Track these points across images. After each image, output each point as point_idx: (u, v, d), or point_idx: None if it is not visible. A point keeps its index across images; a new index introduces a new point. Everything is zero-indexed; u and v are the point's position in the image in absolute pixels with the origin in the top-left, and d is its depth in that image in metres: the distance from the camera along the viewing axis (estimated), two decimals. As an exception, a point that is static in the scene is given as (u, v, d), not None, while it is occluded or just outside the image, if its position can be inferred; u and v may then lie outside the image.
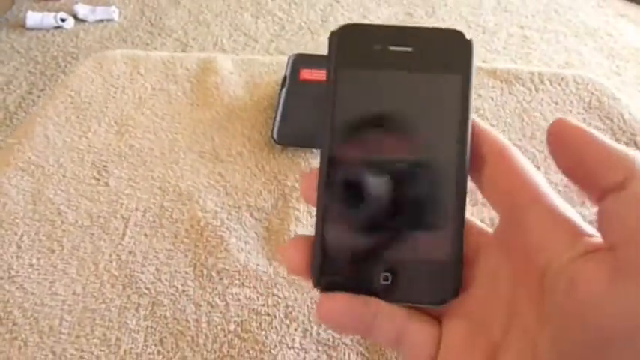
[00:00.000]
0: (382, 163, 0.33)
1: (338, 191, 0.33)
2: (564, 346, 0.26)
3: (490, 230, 0.33)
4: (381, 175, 0.33)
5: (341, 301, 0.32)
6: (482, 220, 0.41)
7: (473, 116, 0.32)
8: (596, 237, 0.28)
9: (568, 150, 0.29)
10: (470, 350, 0.31)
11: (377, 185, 0.33)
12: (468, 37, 0.32)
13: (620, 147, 0.28)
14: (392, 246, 0.33)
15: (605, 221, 0.27)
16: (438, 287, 0.32)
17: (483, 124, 0.32)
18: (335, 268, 0.33)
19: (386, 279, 0.32)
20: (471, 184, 0.32)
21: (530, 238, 0.29)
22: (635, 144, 0.76)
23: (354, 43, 0.33)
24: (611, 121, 0.79)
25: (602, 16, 2.31)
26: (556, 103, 0.82)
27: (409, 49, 0.32)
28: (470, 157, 0.32)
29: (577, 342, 0.25)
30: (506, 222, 0.31)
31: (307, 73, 0.83)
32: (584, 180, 0.29)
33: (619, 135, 0.77)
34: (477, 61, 0.33)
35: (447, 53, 0.32)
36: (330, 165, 0.33)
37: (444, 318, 0.33)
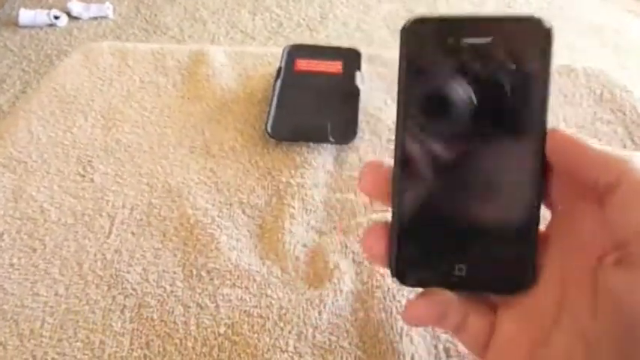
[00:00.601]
0: (456, 152, 0.32)
1: (413, 186, 0.33)
2: (617, 335, 0.28)
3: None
4: (456, 165, 0.32)
5: (423, 307, 0.34)
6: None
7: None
8: None
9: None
10: (520, 340, 0.33)
11: (452, 177, 0.33)
12: (547, 23, 0.31)
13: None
14: (468, 237, 0.33)
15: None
16: (513, 276, 0.33)
17: None
18: (412, 261, 0.35)
19: (461, 270, 0.33)
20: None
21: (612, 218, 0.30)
22: (648, 138, 0.73)
23: (426, 37, 0.32)
24: (624, 114, 0.76)
25: (607, 12, 2.28)
26: (565, 96, 0.79)
27: (484, 41, 0.31)
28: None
29: (629, 333, 0.28)
30: (559, 218, 0.33)
31: (303, 64, 0.80)
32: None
33: (632, 128, 0.74)
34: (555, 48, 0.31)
35: (524, 44, 0.31)
36: (404, 160, 0.33)
37: (499, 308, 0.34)
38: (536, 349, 0.32)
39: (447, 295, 0.34)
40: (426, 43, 0.31)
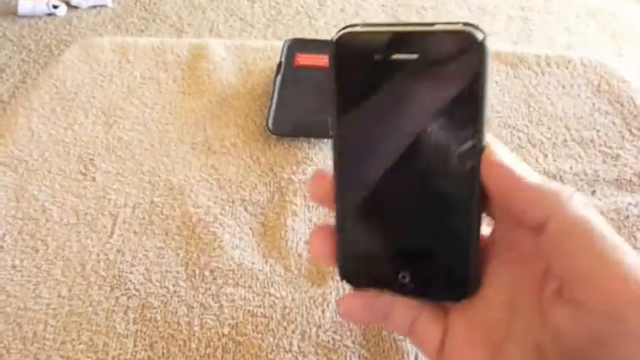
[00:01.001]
0: (395, 169, 0.32)
1: (349, 193, 0.33)
2: (568, 343, 0.28)
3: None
4: (389, 179, 0.32)
5: (359, 304, 0.35)
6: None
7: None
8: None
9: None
10: (474, 345, 0.33)
11: (392, 188, 0.32)
12: (479, 36, 0.29)
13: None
14: (408, 247, 0.33)
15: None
16: (456, 285, 0.33)
17: None
18: (357, 266, 0.35)
19: (404, 277, 0.33)
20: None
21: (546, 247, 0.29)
22: (646, 129, 0.72)
23: (354, 52, 0.31)
24: (622, 105, 0.76)
25: (604, -5, 2.27)
26: (563, 87, 0.79)
27: (414, 57, 0.29)
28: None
29: (580, 340, 0.27)
30: (504, 226, 0.33)
31: (304, 59, 0.79)
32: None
33: (630, 119, 0.74)
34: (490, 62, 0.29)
35: (455, 59, 0.29)
36: (343, 172, 0.33)
37: (451, 312, 0.34)
38: (490, 357, 0.32)
39: (387, 296, 0.34)
40: (354, 57, 0.30)
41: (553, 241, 0.28)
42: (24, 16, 2.19)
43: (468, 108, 0.29)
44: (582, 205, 0.28)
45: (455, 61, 0.29)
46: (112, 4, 2.23)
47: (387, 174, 0.32)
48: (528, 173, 0.30)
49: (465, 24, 0.29)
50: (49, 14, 2.18)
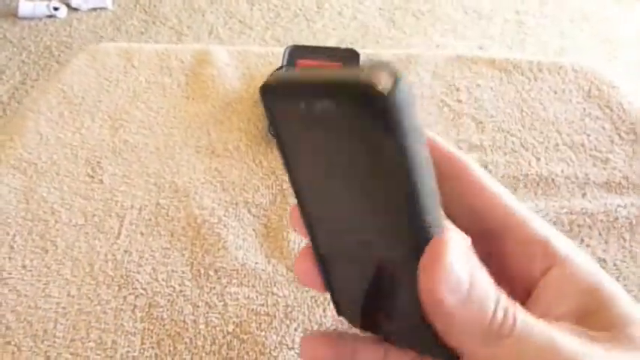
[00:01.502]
0: (342, 232, 0.28)
1: (313, 234, 0.30)
2: None
3: None
4: (341, 233, 0.29)
5: (320, 346, 0.31)
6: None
7: (430, 136, 0.28)
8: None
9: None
10: None
11: (340, 240, 0.29)
12: (384, 86, 0.21)
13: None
14: (387, 306, 0.29)
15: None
16: (436, 349, 0.28)
17: (442, 141, 0.30)
18: (343, 308, 0.32)
19: (388, 327, 0.30)
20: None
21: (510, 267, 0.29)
22: (636, 133, 0.75)
23: (281, 101, 0.26)
24: (611, 110, 0.78)
25: (597, 0, 2.29)
26: (555, 93, 0.81)
27: (325, 106, 0.24)
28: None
29: None
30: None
31: (305, 65, 0.82)
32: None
33: (619, 124, 0.76)
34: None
35: (356, 117, 0.23)
36: (304, 210, 0.29)
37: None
38: None
39: (350, 340, 0.31)
40: (279, 105, 0.26)
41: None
42: (24, 18, 2.20)
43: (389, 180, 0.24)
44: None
45: (356, 120, 0.23)
46: (112, 7, 2.25)
47: (334, 223, 0.29)
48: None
49: (377, 65, 0.22)
50: (50, 16, 2.20)
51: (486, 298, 0.24)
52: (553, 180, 0.69)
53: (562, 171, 0.70)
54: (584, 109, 0.78)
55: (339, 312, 0.32)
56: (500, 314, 0.24)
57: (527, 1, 2.26)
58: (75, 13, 2.24)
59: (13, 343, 0.55)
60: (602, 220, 0.64)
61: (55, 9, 2.19)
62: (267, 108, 0.26)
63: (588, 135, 0.75)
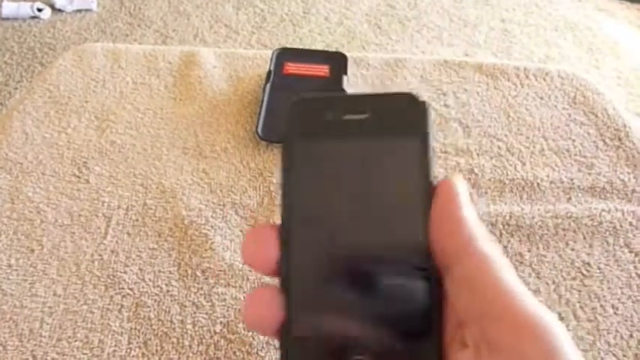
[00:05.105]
0: (343, 245, 0.29)
1: (301, 275, 0.29)
2: None
3: None
4: (344, 258, 0.29)
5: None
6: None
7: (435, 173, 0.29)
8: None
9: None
10: None
11: (341, 269, 0.29)
12: (421, 98, 0.30)
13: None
14: (363, 333, 0.28)
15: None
16: None
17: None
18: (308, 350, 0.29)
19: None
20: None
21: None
22: (620, 139, 0.76)
23: (307, 114, 0.31)
24: (596, 116, 0.79)
25: (581, 10, 2.32)
26: (541, 98, 0.82)
27: (363, 117, 0.30)
28: None
29: None
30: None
31: (292, 67, 0.82)
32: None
33: (603, 130, 0.77)
34: (433, 121, 0.30)
35: (401, 117, 0.30)
36: (290, 244, 0.29)
37: None
38: None
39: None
40: (308, 118, 0.31)
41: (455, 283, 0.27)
42: (8, 19, 2.19)
43: (414, 168, 0.29)
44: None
45: (402, 119, 0.30)
46: (97, 9, 2.24)
47: (334, 250, 0.29)
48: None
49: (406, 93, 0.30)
50: (33, 17, 2.18)
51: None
52: (538, 184, 0.70)
53: (547, 176, 0.71)
54: (570, 114, 0.79)
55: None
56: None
57: (513, 9, 2.28)
58: (59, 14, 2.22)
59: (-3, 342, 0.55)
60: (586, 224, 0.65)
61: (39, 10, 2.17)
62: (291, 120, 0.30)
63: (573, 140, 0.75)
